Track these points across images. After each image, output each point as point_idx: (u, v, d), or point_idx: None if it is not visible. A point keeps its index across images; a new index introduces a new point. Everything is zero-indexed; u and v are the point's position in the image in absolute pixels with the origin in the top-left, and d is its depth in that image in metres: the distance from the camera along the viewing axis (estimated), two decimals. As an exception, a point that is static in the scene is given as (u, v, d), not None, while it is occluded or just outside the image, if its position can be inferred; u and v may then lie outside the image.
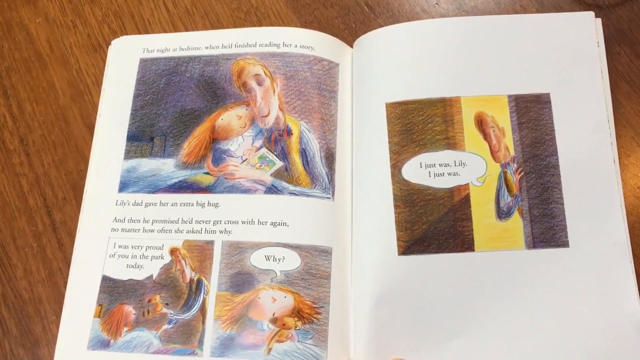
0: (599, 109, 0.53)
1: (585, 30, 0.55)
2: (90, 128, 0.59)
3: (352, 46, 0.59)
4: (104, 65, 0.61)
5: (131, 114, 0.58)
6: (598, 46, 0.54)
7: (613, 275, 0.49)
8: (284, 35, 0.58)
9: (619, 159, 0.52)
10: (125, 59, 0.60)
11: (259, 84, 0.57)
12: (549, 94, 0.53)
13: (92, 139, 0.58)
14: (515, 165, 0.52)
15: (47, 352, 0.52)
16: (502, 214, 0.51)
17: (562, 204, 0.51)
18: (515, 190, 0.52)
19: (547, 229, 0.51)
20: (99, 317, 0.52)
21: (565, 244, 0.50)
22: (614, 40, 0.57)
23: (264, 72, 0.57)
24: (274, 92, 0.57)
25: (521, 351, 0.49)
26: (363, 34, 0.58)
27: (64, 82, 0.61)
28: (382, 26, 0.58)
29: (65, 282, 0.53)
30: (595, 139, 0.52)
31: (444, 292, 0.50)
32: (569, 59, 0.54)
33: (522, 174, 0.52)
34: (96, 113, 0.59)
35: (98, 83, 0.60)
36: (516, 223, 0.51)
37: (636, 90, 0.56)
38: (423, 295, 0.50)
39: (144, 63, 0.60)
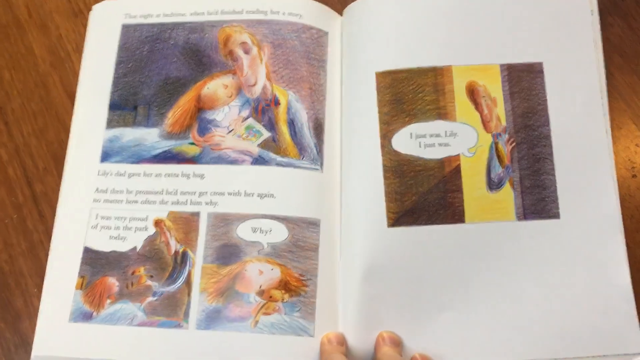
0: (591, 79, 0.52)
1: (580, -3, 0.54)
2: (71, 96, 0.57)
3: (341, 14, 0.57)
4: (85, 31, 0.59)
5: (113, 81, 0.56)
6: (592, 14, 0.53)
7: (603, 247, 0.49)
8: (272, 2, 0.56)
9: (611, 131, 0.52)
10: (107, 24, 0.58)
11: (246, 52, 0.56)
12: (541, 63, 0.52)
13: (73, 107, 0.56)
14: (506, 135, 0.51)
15: (29, 325, 0.51)
16: (493, 185, 0.51)
17: (554, 175, 0.50)
18: (506, 161, 0.51)
19: (538, 200, 0.50)
20: (81, 289, 0.51)
21: (556, 215, 0.50)
22: (607, 11, 0.56)
23: (251, 40, 0.56)
24: (261, 60, 0.55)
25: (511, 322, 0.48)
26: (353, 1, 0.56)
27: (44, 48, 0.59)
28: (373, -7, 0.56)
29: (47, 254, 0.52)
30: (588, 110, 0.52)
31: (434, 264, 0.49)
32: (563, 27, 0.53)
33: (514, 144, 0.51)
34: (77, 81, 0.57)
35: (79, 50, 0.58)
36: (507, 194, 0.50)
37: (628, 62, 0.55)
38: (413, 268, 0.49)
39: (126, 29, 0.58)
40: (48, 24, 0.60)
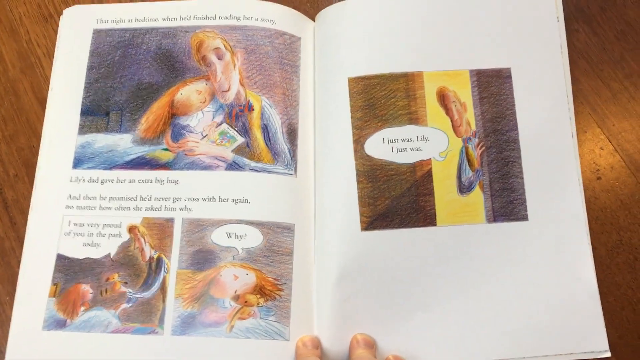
0: (558, 84, 0.54)
1: (546, 5, 0.55)
2: (42, 102, 0.57)
3: (314, 20, 0.58)
4: (56, 36, 0.58)
5: (85, 87, 0.56)
6: (558, 21, 0.55)
7: (570, 247, 0.51)
8: (245, 8, 0.57)
9: (577, 134, 0.53)
10: (78, 29, 0.58)
11: (219, 57, 0.56)
12: (509, 68, 0.54)
13: (44, 113, 0.56)
14: (476, 140, 0.53)
15: (1, 333, 0.51)
16: (464, 188, 0.52)
17: (522, 178, 0.52)
18: (476, 164, 0.52)
19: (507, 202, 0.51)
20: (54, 296, 0.50)
21: (524, 217, 0.51)
22: (573, 17, 0.58)
23: (224, 45, 0.56)
24: (235, 66, 0.55)
25: (482, 322, 0.49)
26: (325, 7, 0.57)
27: (13, 53, 0.58)
28: (345, -1, 0.57)
29: (19, 262, 0.52)
30: (554, 115, 0.53)
31: (407, 266, 0.50)
32: (530, 33, 0.54)
33: (483, 148, 0.52)
34: (48, 86, 0.57)
35: (50, 55, 0.58)
36: (477, 197, 0.51)
37: (593, 67, 0.57)
38: (386, 270, 0.50)
39: (98, 34, 0.57)
40: (18, 28, 0.59)
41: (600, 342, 0.49)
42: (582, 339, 0.49)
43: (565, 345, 0.49)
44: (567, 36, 0.55)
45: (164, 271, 0.51)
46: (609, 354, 0.49)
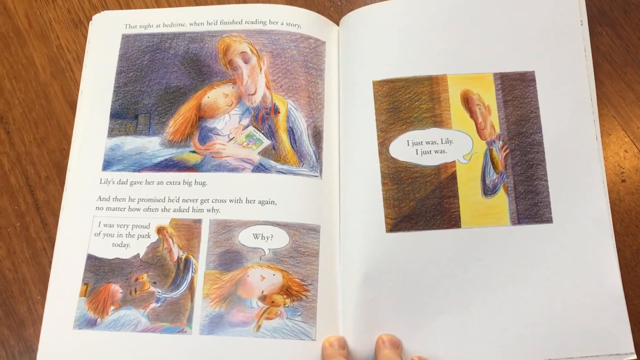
0: (582, 87, 0.54)
1: (570, 9, 0.55)
2: (72, 106, 0.58)
3: (338, 24, 0.59)
4: (85, 41, 0.59)
5: (114, 91, 0.57)
6: (582, 25, 0.55)
7: (595, 251, 0.51)
8: (270, 13, 0.58)
9: (601, 137, 0.53)
10: (107, 34, 0.59)
11: (246, 61, 0.57)
12: (533, 72, 0.54)
13: (74, 116, 0.57)
14: (500, 142, 0.53)
15: (33, 332, 0.52)
16: (488, 190, 0.52)
17: (546, 180, 0.52)
18: (500, 167, 0.52)
19: (531, 205, 0.52)
20: (84, 296, 0.51)
21: (549, 220, 0.51)
22: (596, 21, 0.58)
23: (250, 49, 0.57)
24: (261, 70, 0.56)
25: (506, 324, 0.50)
26: (349, 11, 0.58)
27: (44, 58, 0.60)
28: (369, 4, 0.58)
29: (50, 262, 0.53)
30: (578, 117, 0.53)
31: (431, 268, 0.51)
32: (554, 37, 0.55)
33: (508, 151, 0.53)
34: (78, 90, 0.58)
35: (79, 59, 0.59)
36: (501, 200, 0.52)
37: (617, 70, 0.57)
38: (410, 272, 0.51)
39: (127, 39, 0.58)
40: (48, 33, 0.61)
41: (625, 344, 0.49)
42: (607, 341, 0.49)
43: (590, 347, 0.49)
44: (590, 39, 0.55)
45: (192, 271, 0.51)
46: (634, 357, 0.49)
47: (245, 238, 0.52)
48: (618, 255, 0.51)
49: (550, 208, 0.51)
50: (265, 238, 0.52)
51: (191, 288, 0.51)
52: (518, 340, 0.49)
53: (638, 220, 0.53)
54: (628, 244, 0.52)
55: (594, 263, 0.51)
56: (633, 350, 0.49)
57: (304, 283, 0.51)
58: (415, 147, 0.53)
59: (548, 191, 0.52)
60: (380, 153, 0.53)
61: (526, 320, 0.50)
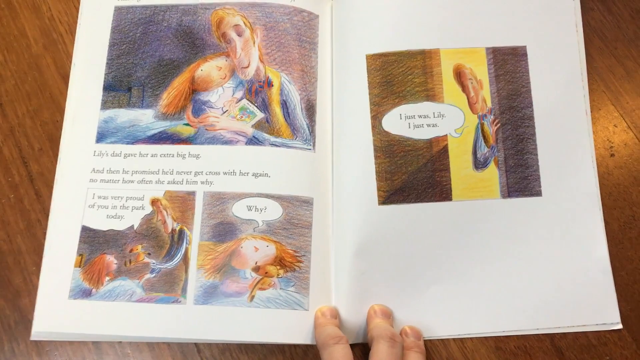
0: (572, 62, 0.54)
1: (562, -16, 0.56)
2: (65, 78, 0.58)
3: (332, -3, 0.59)
4: (77, 12, 0.59)
5: (107, 63, 0.57)
6: (573, 0, 0.55)
7: (583, 223, 0.52)
8: (264, -15, 0.58)
9: (590, 112, 0.54)
10: (100, 6, 0.59)
11: (239, 34, 0.57)
12: (525, 46, 0.54)
13: (67, 88, 0.57)
14: (492, 116, 0.53)
15: (29, 302, 0.52)
16: (479, 164, 0.53)
17: (536, 154, 0.53)
18: (491, 141, 0.53)
19: (521, 178, 0.52)
20: (79, 266, 0.52)
21: (538, 193, 0.52)
22: (588, -4, 0.58)
23: (244, 22, 0.57)
24: (254, 43, 0.56)
25: (496, 295, 0.51)
26: (343, -15, 0.58)
27: (36, 30, 0.59)
28: (362, -23, 0.58)
29: (45, 233, 0.53)
30: (569, 92, 0.54)
31: (423, 240, 0.51)
32: (545, 12, 0.55)
33: (499, 125, 0.53)
34: (70, 62, 0.58)
35: (72, 31, 0.59)
36: (492, 173, 0.52)
37: (608, 46, 0.57)
38: (402, 244, 0.51)
39: (119, 11, 0.58)
40: (40, 5, 0.60)
41: (612, 315, 0.50)
42: (595, 312, 0.50)
43: (577, 317, 0.50)
44: (582, 14, 0.56)
45: (186, 243, 0.52)
46: (620, 326, 0.50)
47: (239, 210, 0.52)
48: (606, 228, 0.52)
49: (539, 181, 0.52)
50: (259, 210, 0.52)
51: (185, 259, 0.52)
52: (507, 311, 0.51)
53: (626, 194, 0.53)
54: (616, 216, 0.53)
55: (582, 236, 0.52)
56: (619, 320, 0.50)
57: (297, 254, 0.51)
58: (407, 121, 0.53)
59: (538, 165, 0.53)
60: (373, 126, 0.53)
61: (515, 291, 0.51)
